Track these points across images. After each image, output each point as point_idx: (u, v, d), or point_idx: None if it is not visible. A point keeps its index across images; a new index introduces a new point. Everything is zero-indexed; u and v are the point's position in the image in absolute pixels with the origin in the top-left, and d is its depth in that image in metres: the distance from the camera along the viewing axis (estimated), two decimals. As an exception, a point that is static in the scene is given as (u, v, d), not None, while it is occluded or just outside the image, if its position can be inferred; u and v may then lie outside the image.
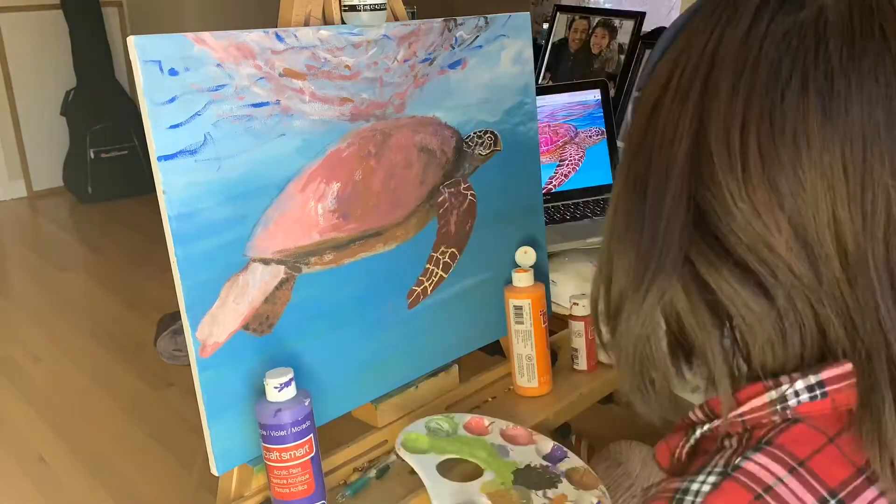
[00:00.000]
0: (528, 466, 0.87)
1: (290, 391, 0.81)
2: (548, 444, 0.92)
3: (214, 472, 0.84)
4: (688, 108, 0.46)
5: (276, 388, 0.80)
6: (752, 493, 0.42)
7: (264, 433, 0.80)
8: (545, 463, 0.89)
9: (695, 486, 0.44)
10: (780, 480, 0.42)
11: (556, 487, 0.84)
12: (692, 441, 0.50)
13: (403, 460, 0.87)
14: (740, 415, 0.46)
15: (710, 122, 0.45)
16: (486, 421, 0.95)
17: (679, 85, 0.47)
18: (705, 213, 0.45)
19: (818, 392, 0.45)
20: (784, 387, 0.45)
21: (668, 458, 0.53)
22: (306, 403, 0.82)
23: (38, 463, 1.92)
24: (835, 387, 0.44)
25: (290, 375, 0.80)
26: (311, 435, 0.82)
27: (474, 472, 0.86)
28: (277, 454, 0.80)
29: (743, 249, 0.44)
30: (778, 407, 0.45)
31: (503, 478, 0.85)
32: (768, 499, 0.42)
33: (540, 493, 0.83)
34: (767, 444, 0.44)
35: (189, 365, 0.81)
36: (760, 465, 0.43)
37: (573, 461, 0.90)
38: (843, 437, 0.44)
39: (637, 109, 0.51)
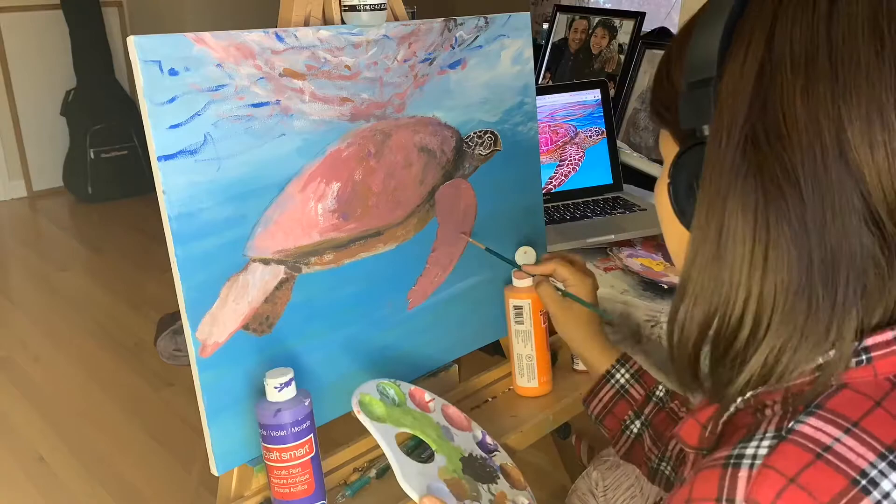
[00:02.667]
0: (471, 455, 0.88)
1: (290, 391, 0.81)
2: (478, 432, 0.93)
3: (214, 472, 0.84)
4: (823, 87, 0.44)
5: (276, 388, 0.80)
6: (811, 453, 0.43)
7: (264, 433, 0.80)
8: (482, 454, 0.90)
9: (749, 451, 0.44)
10: (837, 440, 0.43)
11: (496, 483, 0.86)
12: (732, 410, 0.50)
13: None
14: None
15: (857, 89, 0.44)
16: (427, 395, 0.93)
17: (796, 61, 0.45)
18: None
19: (864, 357, 0.46)
20: (832, 352, 0.45)
21: (698, 435, 0.53)
22: (306, 403, 0.82)
23: (38, 463, 1.92)
24: (879, 353, 0.45)
25: (291, 375, 0.80)
26: (311, 435, 0.82)
27: (426, 453, 0.86)
28: (277, 454, 0.80)
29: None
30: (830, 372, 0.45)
31: (454, 464, 0.85)
32: (829, 457, 0.43)
33: (485, 486, 0.84)
34: (818, 407, 0.45)
35: (189, 365, 0.81)
36: (815, 427, 0.44)
37: (502, 456, 0.92)
38: (889, 400, 0.45)
39: (732, 94, 0.46)
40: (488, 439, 0.93)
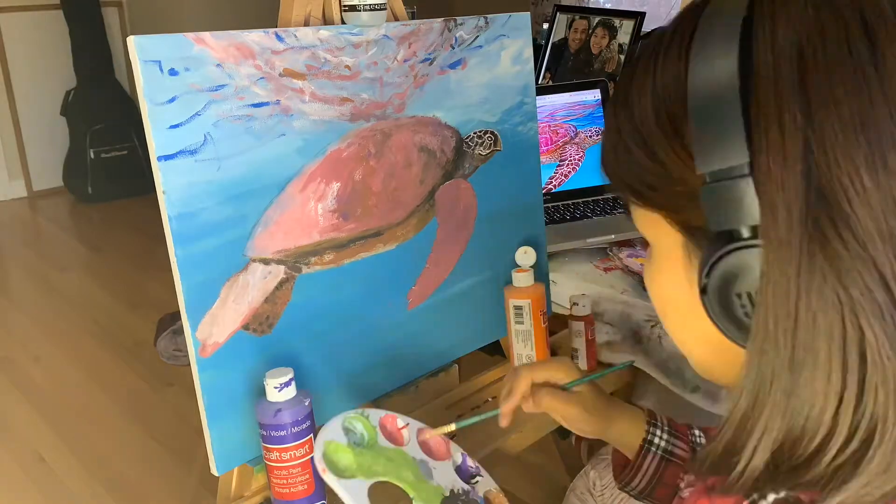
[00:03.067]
0: (452, 493, 0.82)
1: (291, 391, 0.81)
2: (458, 455, 0.86)
3: (214, 472, 0.85)
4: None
5: (276, 388, 0.80)
6: None
7: (264, 433, 0.80)
8: (464, 488, 0.83)
9: None
10: None
11: None
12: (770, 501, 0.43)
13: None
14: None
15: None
16: (400, 421, 0.85)
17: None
18: None
19: None
20: None
21: None
22: (306, 403, 0.82)
23: (38, 463, 1.92)
24: None
25: (291, 375, 0.81)
26: (311, 435, 0.82)
27: (401, 495, 0.79)
28: (277, 454, 0.80)
29: None
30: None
31: None
32: None
33: None
34: None
35: (189, 365, 0.81)
36: None
37: (485, 482, 0.86)
38: None
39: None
40: (469, 462, 0.87)
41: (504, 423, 0.83)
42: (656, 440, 0.80)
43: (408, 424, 0.87)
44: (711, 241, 0.41)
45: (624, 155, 0.46)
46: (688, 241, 0.45)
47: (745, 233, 0.39)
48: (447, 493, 0.80)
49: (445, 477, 0.83)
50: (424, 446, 0.86)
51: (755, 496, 0.41)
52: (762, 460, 0.40)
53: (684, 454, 0.79)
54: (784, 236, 0.38)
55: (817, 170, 0.37)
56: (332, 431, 0.80)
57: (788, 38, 0.38)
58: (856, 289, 0.36)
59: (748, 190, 0.38)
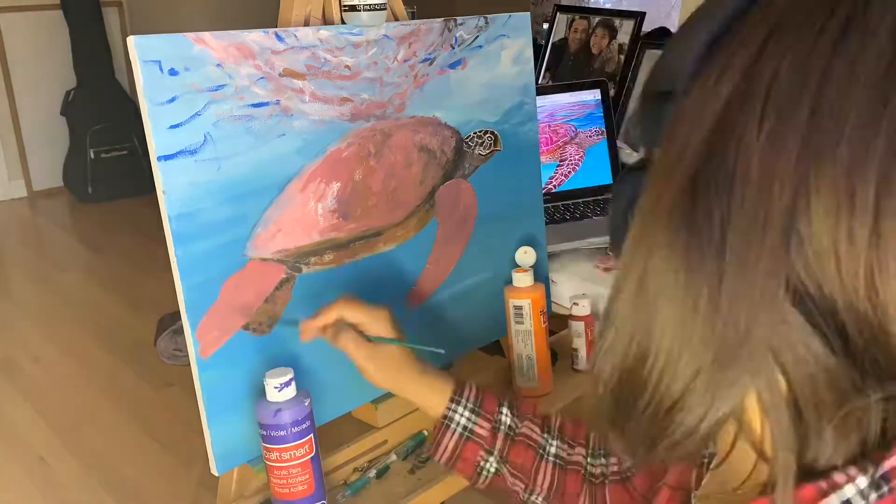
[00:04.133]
0: None
1: (291, 391, 0.81)
2: None
3: (214, 472, 0.85)
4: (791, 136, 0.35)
5: (276, 388, 0.80)
6: None
7: (264, 433, 0.80)
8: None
9: None
10: None
11: None
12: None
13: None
14: None
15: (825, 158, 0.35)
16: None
17: (776, 98, 0.36)
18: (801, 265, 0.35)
19: (885, 488, 0.37)
20: (847, 488, 0.37)
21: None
22: (306, 403, 0.82)
23: (38, 463, 1.92)
24: None
25: (291, 375, 0.80)
26: (311, 435, 0.82)
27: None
28: (277, 454, 0.80)
29: (831, 309, 0.36)
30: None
31: None
32: None
33: None
34: None
35: (189, 365, 0.81)
36: None
37: None
38: None
39: (691, 112, 0.38)
40: None
41: (302, 338, 0.84)
42: (457, 417, 0.81)
43: None
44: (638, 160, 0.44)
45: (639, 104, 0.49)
46: None
47: (656, 154, 0.41)
48: None
49: None
50: None
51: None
52: (614, 366, 0.41)
53: (485, 433, 0.80)
54: (669, 167, 0.38)
55: (726, 123, 0.37)
56: None
57: (773, 13, 0.38)
58: (696, 260, 0.37)
59: (668, 115, 0.40)
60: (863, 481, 0.36)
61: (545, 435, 0.82)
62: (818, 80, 0.35)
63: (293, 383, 0.81)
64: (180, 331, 2.21)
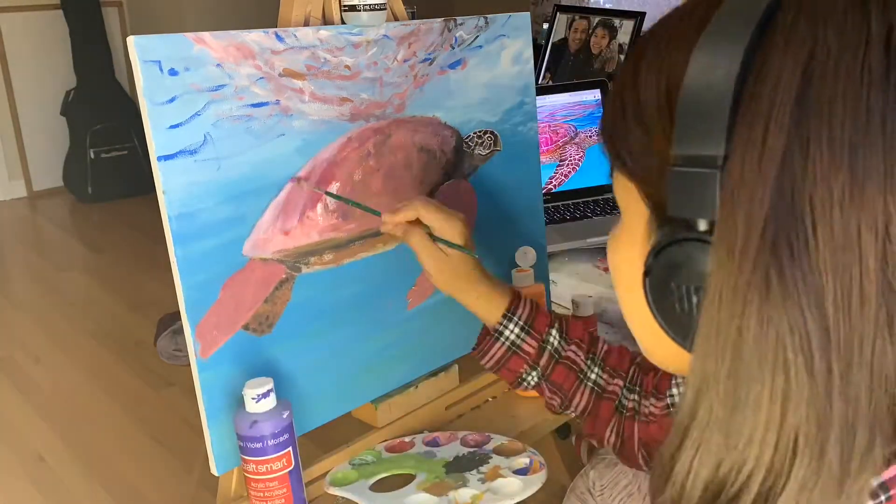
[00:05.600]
0: (456, 457, 0.90)
1: (269, 402, 0.79)
2: (467, 434, 0.95)
3: (214, 472, 0.84)
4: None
5: (253, 398, 0.78)
6: None
7: (241, 444, 0.79)
8: (472, 449, 0.92)
9: None
10: None
11: (488, 463, 0.87)
12: None
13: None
14: None
15: None
16: (407, 438, 0.97)
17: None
18: None
19: (882, 497, 0.37)
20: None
21: None
22: (285, 416, 0.80)
23: (38, 463, 1.92)
24: None
25: (269, 386, 0.79)
26: (290, 448, 0.80)
27: (408, 481, 0.87)
28: (254, 466, 0.79)
29: None
30: None
31: (436, 473, 0.86)
32: None
33: (473, 472, 0.86)
34: None
35: (189, 365, 0.81)
36: None
37: (497, 439, 0.93)
38: None
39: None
40: (472, 436, 0.94)
41: (381, 228, 0.89)
42: (506, 332, 0.86)
43: (413, 437, 0.93)
44: (668, 224, 0.40)
45: (619, 118, 0.44)
46: (652, 217, 0.43)
47: (702, 226, 0.38)
48: (450, 460, 0.85)
49: (449, 451, 0.92)
50: (430, 443, 0.92)
51: None
52: (701, 482, 0.37)
53: (531, 351, 0.85)
54: (739, 243, 0.35)
55: (791, 181, 0.34)
56: (339, 467, 0.91)
57: (806, 36, 0.35)
58: (797, 331, 0.34)
59: (714, 184, 0.36)
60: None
61: (588, 361, 0.86)
62: (879, 118, 0.33)
63: (272, 394, 0.79)
64: (180, 331, 2.21)
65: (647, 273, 0.42)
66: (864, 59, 0.34)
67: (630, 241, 0.45)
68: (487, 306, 0.86)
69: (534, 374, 0.86)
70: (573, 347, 0.86)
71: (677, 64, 0.40)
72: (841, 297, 0.34)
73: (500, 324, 0.86)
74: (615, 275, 0.49)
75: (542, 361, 0.85)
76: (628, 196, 0.45)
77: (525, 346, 0.85)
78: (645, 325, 0.45)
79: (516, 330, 0.85)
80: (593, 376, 0.85)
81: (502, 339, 0.86)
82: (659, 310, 0.42)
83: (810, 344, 0.34)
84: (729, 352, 0.36)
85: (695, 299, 0.40)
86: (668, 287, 0.41)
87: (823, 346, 0.34)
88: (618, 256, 0.48)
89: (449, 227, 0.85)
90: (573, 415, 0.87)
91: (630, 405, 0.83)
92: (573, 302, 1.11)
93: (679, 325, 0.41)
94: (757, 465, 0.35)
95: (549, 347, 0.85)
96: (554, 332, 0.86)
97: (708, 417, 0.37)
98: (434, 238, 0.85)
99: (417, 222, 0.86)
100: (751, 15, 0.37)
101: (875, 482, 0.36)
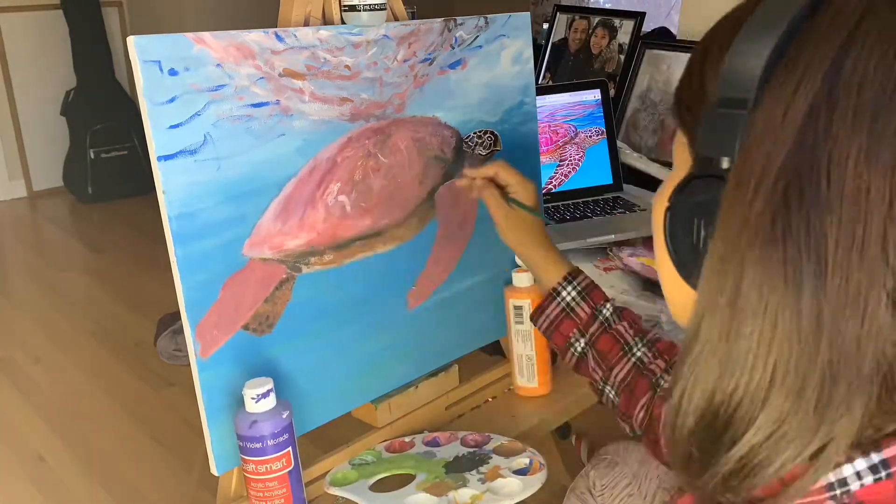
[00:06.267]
0: (456, 457, 0.90)
1: (269, 402, 0.79)
2: (467, 434, 0.95)
3: (214, 472, 0.84)
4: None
5: (253, 398, 0.78)
6: None
7: (241, 444, 0.79)
8: (472, 449, 0.92)
9: None
10: None
11: (488, 463, 0.88)
12: None
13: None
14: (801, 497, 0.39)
15: None
16: (407, 438, 0.97)
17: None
18: None
19: (883, 473, 0.38)
20: (845, 468, 0.38)
21: None
22: (284, 416, 0.80)
23: (38, 463, 1.91)
24: None
25: (269, 386, 0.79)
26: (290, 448, 0.81)
27: (407, 481, 0.87)
28: (254, 466, 0.79)
29: None
30: (837, 492, 0.38)
31: (435, 473, 0.87)
32: None
33: (473, 472, 0.86)
34: None
35: (189, 365, 0.81)
36: None
37: (497, 439, 0.93)
38: None
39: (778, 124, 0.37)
40: (472, 436, 0.95)
41: (457, 183, 0.99)
42: (564, 294, 0.90)
43: (413, 437, 0.94)
44: (698, 162, 0.42)
45: (684, 77, 0.47)
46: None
47: (724, 164, 0.40)
48: (450, 460, 0.85)
49: (449, 451, 0.92)
50: (429, 443, 0.92)
51: None
52: (695, 409, 0.39)
53: (584, 316, 0.89)
54: (753, 182, 0.37)
55: (813, 135, 0.36)
56: (339, 467, 0.91)
57: (852, 14, 0.38)
58: (794, 275, 0.36)
59: (740, 125, 0.39)
60: (862, 464, 0.37)
61: (636, 338, 0.87)
62: None
63: (272, 394, 0.80)
64: (180, 331, 2.21)
65: (668, 208, 0.44)
66: None
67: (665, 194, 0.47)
68: (549, 266, 0.92)
69: (582, 340, 0.89)
70: (624, 324, 0.88)
71: (740, 12, 0.43)
72: (841, 251, 0.35)
73: (560, 284, 0.90)
74: (654, 224, 0.50)
75: (592, 328, 0.88)
76: (681, 149, 0.47)
77: (578, 311, 0.89)
78: (672, 276, 0.46)
79: (573, 293, 0.90)
80: (638, 353, 0.86)
81: (559, 299, 0.90)
82: (673, 243, 0.44)
83: (804, 287, 0.36)
84: (730, 283, 0.38)
85: (704, 234, 0.42)
86: (684, 222, 0.43)
87: (817, 292, 0.36)
88: (657, 205, 0.49)
89: (523, 189, 0.93)
90: (612, 394, 0.87)
91: (667, 386, 0.83)
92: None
93: (689, 261, 0.43)
94: (745, 394, 0.37)
95: (600, 317, 0.89)
96: (609, 305, 0.89)
97: (705, 344, 0.39)
98: (508, 199, 0.93)
99: (492, 181, 0.94)
100: None
101: (877, 458, 0.38)
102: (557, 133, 1.53)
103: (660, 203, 0.47)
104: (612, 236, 1.32)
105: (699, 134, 0.42)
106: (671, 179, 0.48)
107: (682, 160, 0.46)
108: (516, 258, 1.07)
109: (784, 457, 0.37)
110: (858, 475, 0.37)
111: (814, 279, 0.36)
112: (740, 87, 0.39)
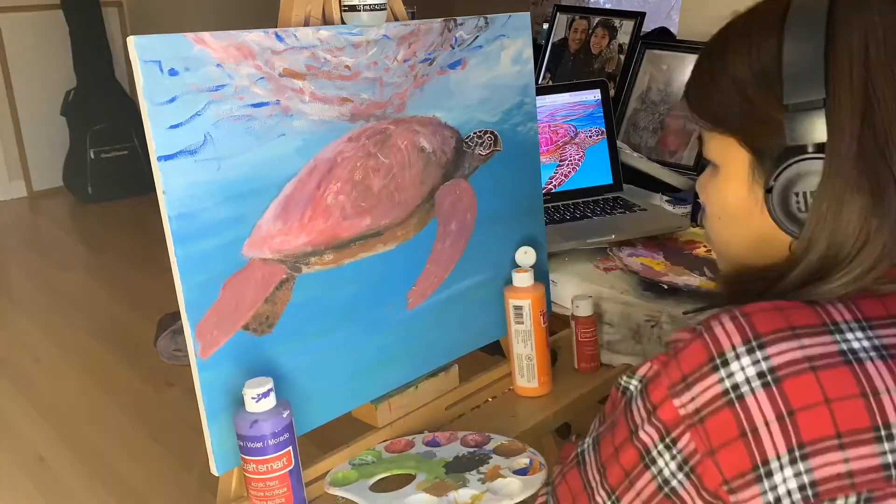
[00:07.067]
0: (456, 457, 0.90)
1: (269, 402, 0.79)
2: (467, 434, 0.95)
3: (214, 472, 0.84)
4: None
5: (253, 398, 0.78)
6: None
7: (241, 444, 0.79)
8: (472, 449, 0.92)
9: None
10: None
11: (488, 463, 0.87)
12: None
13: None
14: None
15: None
16: (407, 438, 0.97)
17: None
18: None
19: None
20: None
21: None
22: (285, 415, 0.80)
23: (38, 463, 1.92)
24: None
25: (269, 386, 0.79)
26: (290, 448, 0.80)
27: (407, 481, 0.87)
28: (254, 466, 0.79)
29: None
30: None
31: (436, 473, 0.87)
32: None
33: (473, 472, 0.86)
34: None
35: (189, 365, 0.81)
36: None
37: (497, 439, 0.93)
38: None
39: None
40: (472, 435, 0.94)
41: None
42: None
43: (414, 437, 0.94)
44: (781, 155, 0.59)
45: (715, 94, 0.63)
46: (754, 159, 0.62)
47: (811, 149, 0.57)
48: (450, 460, 0.86)
49: (449, 451, 0.92)
50: (430, 443, 0.92)
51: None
52: (816, 256, 0.57)
53: None
54: (841, 153, 0.56)
55: (872, 113, 0.55)
56: (339, 467, 0.91)
57: (859, 19, 0.57)
58: (880, 200, 0.55)
59: (820, 118, 0.56)
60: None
61: None
62: None
63: (272, 394, 0.79)
64: (180, 331, 2.21)
65: (769, 190, 0.60)
66: None
67: (737, 180, 0.64)
68: None
69: None
70: None
71: (768, 45, 0.59)
72: None
73: None
74: (719, 209, 0.67)
75: None
76: (727, 149, 0.64)
77: None
78: (745, 237, 0.66)
79: None
80: None
81: None
82: (779, 215, 0.60)
83: (887, 213, 0.56)
84: (829, 220, 0.57)
85: (808, 199, 0.58)
86: (788, 197, 0.59)
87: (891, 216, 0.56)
88: (723, 196, 0.66)
89: None
90: None
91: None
92: (573, 302, 1.11)
93: (794, 221, 0.59)
94: (845, 253, 0.57)
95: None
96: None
97: (817, 245, 0.58)
98: None
99: None
100: (818, 6, 0.58)
101: None
102: (557, 133, 1.53)
103: (729, 193, 0.65)
104: (612, 236, 1.32)
105: (764, 137, 0.60)
106: (728, 175, 0.65)
107: (735, 156, 0.63)
108: (517, 258, 1.07)
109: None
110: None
111: (893, 210, 0.55)
112: (811, 91, 0.56)
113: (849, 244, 0.56)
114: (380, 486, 0.86)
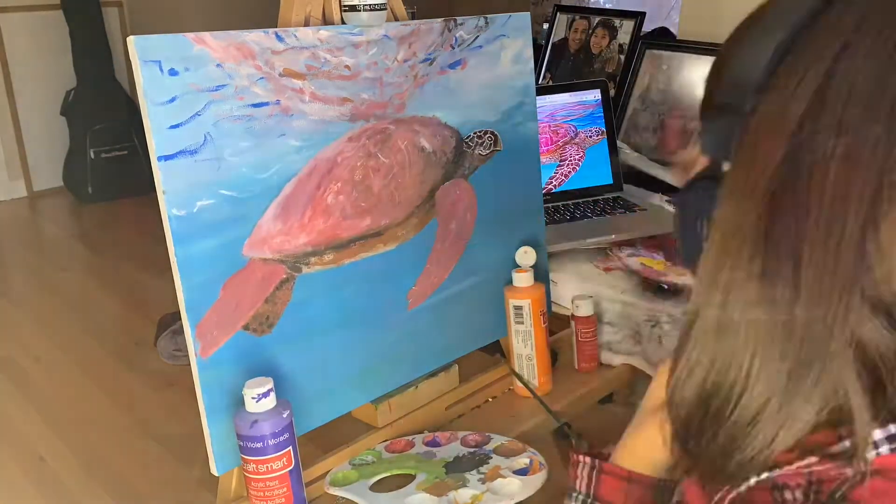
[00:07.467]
0: (456, 458, 0.90)
1: (269, 402, 0.79)
2: (467, 434, 0.95)
3: (214, 472, 0.85)
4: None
5: (253, 398, 0.78)
6: None
7: (241, 444, 0.79)
8: (472, 449, 0.92)
9: None
10: None
11: (488, 463, 0.88)
12: (743, 489, 0.44)
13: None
14: (808, 465, 0.40)
15: None
16: (407, 438, 0.97)
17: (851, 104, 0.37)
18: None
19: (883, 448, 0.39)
20: (876, 432, 0.39)
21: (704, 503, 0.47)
22: (285, 415, 0.80)
23: (38, 463, 1.91)
24: None
25: (269, 386, 0.79)
26: (290, 448, 0.81)
27: (408, 481, 0.87)
28: (255, 466, 0.79)
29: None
30: (853, 459, 0.40)
31: (436, 473, 0.87)
32: None
33: (473, 472, 0.86)
34: (843, 499, 0.39)
35: (189, 365, 0.81)
36: None
37: (497, 439, 0.93)
38: None
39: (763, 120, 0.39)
40: (472, 436, 0.94)
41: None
42: None
43: (414, 437, 0.94)
44: (708, 164, 0.45)
45: (706, 84, 0.49)
46: None
47: (726, 167, 0.42)
48: (450, 460, 0.86)
49: (449, 452, 0.92)
50: (430, 443, 0.92)
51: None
52: (692, 392, 0.42)
53: None
54: (747, 187, 0.39)
55: (798, 142, 0.38)
56: (339, 467, 0.91)
57: (848, 24, 0.39)
58: (771, 275, 0.38)
59: (736, 130, 0.41)
60: (879, 434, 0.39)
61: None
62: (893, 96, 0.36)
63: (272, 394, 0.80)
64: (180, 331, 2.21)
65: (677, 207, 0.48)
66: (894, 43, 0.37)
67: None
68: None
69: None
70: None
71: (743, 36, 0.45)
72: (818, 256, 0.37)
73: None
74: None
75: None
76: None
77: None
78: None
79: None
80: None
81: None
82: (681, 239, 0.47)
83: (780, 294, 0.38)
84: (721, 284, 0.40)
85: (705, 231, 0.43)
86: (686, 218, 0.46)
87: (791, 300, 0.38)
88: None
89: None
90: None
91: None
92: (573, 302, 1.11)
93: (691, 253, 0.45)
94: (734, 383, 0.40)
95: None
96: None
97: (699, 338, 0.42)
98: None
99: None
100: (797, 9, 0.41)
101: (894, 429, 0.39)
102: (557, 133, 1.53)
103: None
104: (612, 236, 1.32)
105: (702, 138, 0.45)
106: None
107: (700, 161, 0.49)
108: (517, 258, 1.07)
109: (768, 433, 0.39)
110: (875, 444, 0.39)
111: (790, 282, 0.37)
112: (739, 92, 0.41)
113: (728, 359, 0.42)
114: (380, 486, 0.86)
